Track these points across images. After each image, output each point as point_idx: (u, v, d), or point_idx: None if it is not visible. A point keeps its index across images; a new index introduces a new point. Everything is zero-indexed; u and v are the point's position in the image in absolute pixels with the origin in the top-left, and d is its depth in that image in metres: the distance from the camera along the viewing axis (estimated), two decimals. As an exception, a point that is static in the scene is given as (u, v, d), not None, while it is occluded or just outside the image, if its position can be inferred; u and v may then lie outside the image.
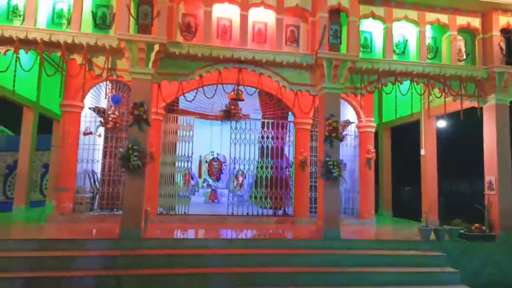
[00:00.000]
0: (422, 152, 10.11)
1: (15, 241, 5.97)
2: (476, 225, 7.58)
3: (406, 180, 11.97)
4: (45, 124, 11.98)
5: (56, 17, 6.61)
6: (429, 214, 8.78)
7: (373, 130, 9.67)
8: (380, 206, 12.23)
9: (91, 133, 8.55)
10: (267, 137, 9.48)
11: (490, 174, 7.73)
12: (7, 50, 6.46)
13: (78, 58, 6.62)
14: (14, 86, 6.47)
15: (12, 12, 6.48)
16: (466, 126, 9.29)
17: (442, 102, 7.99)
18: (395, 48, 7.61)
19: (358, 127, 9.78)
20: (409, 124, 10.82)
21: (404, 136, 12.02)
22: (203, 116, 10.86)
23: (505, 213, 7.48)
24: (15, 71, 6.39)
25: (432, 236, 7.27)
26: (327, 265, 6.27)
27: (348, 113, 9.92)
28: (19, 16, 6.47)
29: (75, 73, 6.82)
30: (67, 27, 6.56)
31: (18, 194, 10.12)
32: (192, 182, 13.51)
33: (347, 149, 10.21)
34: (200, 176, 14.68)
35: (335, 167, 6.95)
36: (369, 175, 9.49)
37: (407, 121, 10.61)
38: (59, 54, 6.57)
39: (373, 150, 9.47)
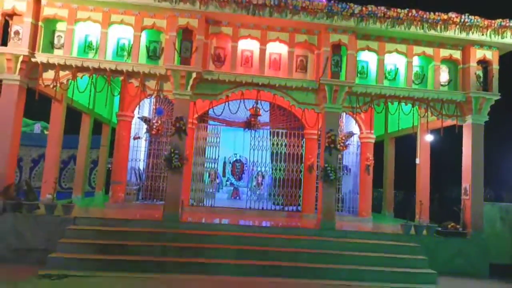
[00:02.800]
0: (417, 160, 11.59)
1: (87, 218, 8.06)
2: (452, 224, 9.10)
3: (406, 184, 13.38)
4: (95, 127, 14.25)
5: (120, 50, 8.69)
6: (421, 215, 10.34)
7: (373, 140, 11.29)
8: (383, 207, 13.79)
9: (139, 137, 10.65)
10: (280, 144, 11.29)
11: (466, 182, 9.21)
12: (83, 75, 8.59)
13: (135, 82, 8.68)
14: (93, 103, 8.56)
15: (88, 47, 8.61)
16: (454, 140, 10.72)
17: (435, 119, 9.52)
18: (387, 75, 9.23)
19: (360, 138, 11.42)
20: (410, 135, 12.32)
21: (406, 145, 13.49)
22: (228, 123, 12.78)
23: (476, 214, 8.95)
24: (90, 91, 8.52)
25: (413, 231, 8.85)
26: (322, 248, 8.00)
27: (352, 125, 11.58)
28: (93, 49, 8.59)
29: (132, 92, 8.89)
30: (127, 58, 8.62)
31: (77, 185, 12.33)
32: (217, 181, 15.45)
33: (352, 157, 11.89)
34: (224, 175, 16.60)
35: (333, 172, 8.67)
36: (368, 179, 11.11)
37: (408, 133, 12.12)
38: (121, 78, 8.64)
39: (371, 158, 11.08)
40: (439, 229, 9.01)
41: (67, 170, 15.29)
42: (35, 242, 7.64)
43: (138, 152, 11.06)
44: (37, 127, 20.71)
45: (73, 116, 12.94)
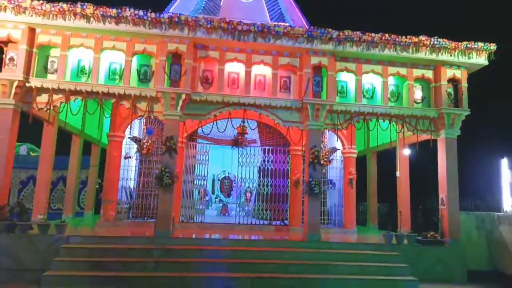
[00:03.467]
0: (397, 174, 12.15)
1: (81, 236, 8.28)
2: (432, 233, 9.60)
3: (390, 197, 13.92)
4: (84, 147, 14.45)
5: (111, 74, 9.10)
6: (403, 225, 10.83)
7: (355, 155, 11.84)
8: (368, 219, 14.26)
9: (130, 157, 10.95)
10: (268, 161, 11.73)
11: (442, 192, 9.78)
12: (76, 99, 8.94)
13: (126, 104, 9.07)
14: (82, 124, 8.91)
15: (80, 71, 9.00)
16: (433, 153, 11.34)
17: (411, 134, 10.11)
18: (365, 93, 9.85)
19: (342, 153, 11.96)
20: (391, 150, 12.91)
21: (388, 159, 14.08)
22: (217, 142, 13.18)
23: (452, 223, 9.48)
24: (84, 113, 8.87)
25: (394, 241, 9.30)
26: (309, 259, 8.37)
27: (335, 141, 12.12)
28: (85, 74, 8.97)
29: (123, 113, 9.27)
30: (119, 82, 9.03)
31: (67, 205, 12.47)
32: (207, 198, 15.72)
33: (335, 171, 12.39)
34: (213, 192, 16.88)
35: (317, 185, 9.12)
36: (351, 192, 11.60)
37: (389, 148, 12.71)
38: (113, 101, 9.03)
39: (354, 172, 11.60)
40: (419, 238, 9.49)
41: (56, 191, 15.36)
42: (29, 262, 7.82)
43: (129, 171, 11.33)
44: (23, 148, 20.65)
45: (62, 137, 13.16)
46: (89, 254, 7.71)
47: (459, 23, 19.35)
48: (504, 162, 10.35)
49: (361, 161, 14.32)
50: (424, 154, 12.79)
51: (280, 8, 12.25)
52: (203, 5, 11.72)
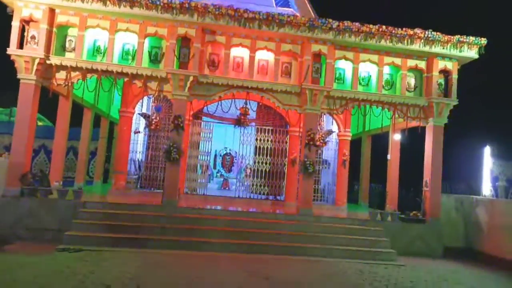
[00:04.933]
0: (388, 157, 12.94)
1: (96, 203, 9.20)
2: (414, 212, 10.50)
3: (382, 178, 14.81)
4: (94, 120, 15.21)
5: (125, 54, 9.75)
6: (390, 204, 11.72)
7: (349, 138, 12.62)
8: (359, 198, 15.19)
9: (139, 132, 11.75)
10: (267, 140, 12.53)
11: (427, 175, 10.61)
12: (92, 76, 9.65)
13: (138, 83, 9.78)
14: (96, 99, 9.65)
15: (96, 50, 9.66)
16: (421, 139, 12.11)
17: (402, 120, 10.85)
18: (361, 81, 10.51)
19: (338, 135, 12.73)
20: (385, 134, 13.67)
21: (382, 143, 14.85)
22: (221, 119, 13.94)
23: (434, 204, 10.36)
24: (98, 90, 9.63)
25: (379, 218, 10.22)
26: (299, 231, 9.31)
27: (331, 124, 12.87)
28: (101, 53, 9.64)
29: (135, 91, 10.00)
30: (132, 62, 9.70)
31: (79, 174, 13.37)
32: (209, 172, 16.62)
33: (331, 152, 13.19)
34: (215, 167, 17.77)
35: (311, 165, 9.95)
36: (344, 172, 12.46)
37: (383, 131, 13.46)
38: (125, 80, 9.74)
39: (347, 153, 12.41)
40: (402, 216, 10.40)
41: (67, 160, 16.22)
42: (49, 223, 8.77)
43: (138, 145, 12.17)
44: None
45: (72, 110, 13.91)
46: (104, 218, 8.64)
47: (453, 18, 19.86)
48: (487, 150, 11.12)
49: (357, 143, 15.13)
50: (416, 139, 13.57)
51: (285, -7, 12.70)
52: (211, -12, 12.16)
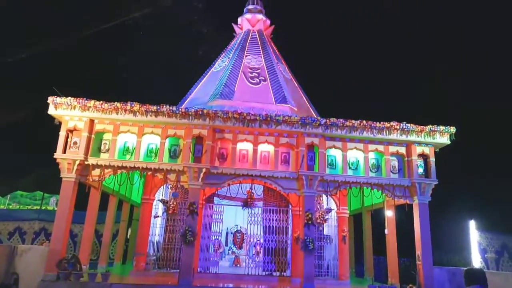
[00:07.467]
0: (386, 231, 14.01)
1: (122, 284, 10.40)
2: (410, 285, 11.34)
3: (382, 250, 15.67)
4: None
5: (149, 152, 11.70)
6: (391, 278, 12.56)
7: (347, 215, 13.89)
8: (364, 272, 15.86)
9: (158, 216, 13.27)
10: (271, 219, 13.86)
11: (418, 249, 11.63)
12: (122, 172, 11.49)
13: (159, 175, 11.57)
14: (126, 191, 11.38)
15: (125, 150, 11.64)
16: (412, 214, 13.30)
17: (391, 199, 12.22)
18: (350, 166, 12.14)
19: (336, 213, 14.02)
20: (382, 209, 14.87)
21: (381, 216, 15.97)
22: (230, 199, 15.41)
23: (427, 276, 11.23)
24: (126, 183, 11.40)
25: (378, 291, 11.07)
26: (303, 306, 10.22)
27: (330, 203, 14.23)
28: (129, 153, 11.59)
29: (157, 183, 11.76)
30: (154, 158, 11.60)
31: (103, 256, 14.61)
32: (221, 249, 17.62)
33: (332, 229, 14.34)
34: (226, 244, 18.74)
35: (311, 243, 11.16)
36: (345, 248, 13.50)
37: (379, 208, 14.70)
38: (148, 173, 11.55)
39: (346, 230, 13.57)
40: (399, 289, 11.24)
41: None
42: (80, 304, 9.92)
43: (156, 228, 13.60)
44: (53, 200, 23.35)
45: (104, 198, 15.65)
46: (129, 298, 9.80)
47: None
48: (472, 223, 12.21)
49: (359, 218, 16.25)
50: (409, 214, 14.73)
51: (283, 92, 14.97)
52: (220, 91, 14.54)
